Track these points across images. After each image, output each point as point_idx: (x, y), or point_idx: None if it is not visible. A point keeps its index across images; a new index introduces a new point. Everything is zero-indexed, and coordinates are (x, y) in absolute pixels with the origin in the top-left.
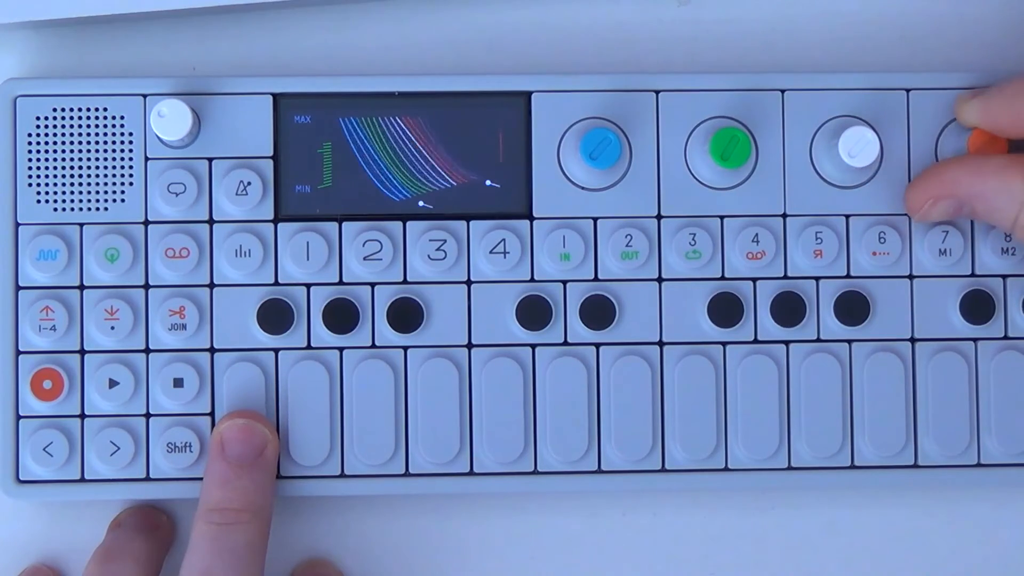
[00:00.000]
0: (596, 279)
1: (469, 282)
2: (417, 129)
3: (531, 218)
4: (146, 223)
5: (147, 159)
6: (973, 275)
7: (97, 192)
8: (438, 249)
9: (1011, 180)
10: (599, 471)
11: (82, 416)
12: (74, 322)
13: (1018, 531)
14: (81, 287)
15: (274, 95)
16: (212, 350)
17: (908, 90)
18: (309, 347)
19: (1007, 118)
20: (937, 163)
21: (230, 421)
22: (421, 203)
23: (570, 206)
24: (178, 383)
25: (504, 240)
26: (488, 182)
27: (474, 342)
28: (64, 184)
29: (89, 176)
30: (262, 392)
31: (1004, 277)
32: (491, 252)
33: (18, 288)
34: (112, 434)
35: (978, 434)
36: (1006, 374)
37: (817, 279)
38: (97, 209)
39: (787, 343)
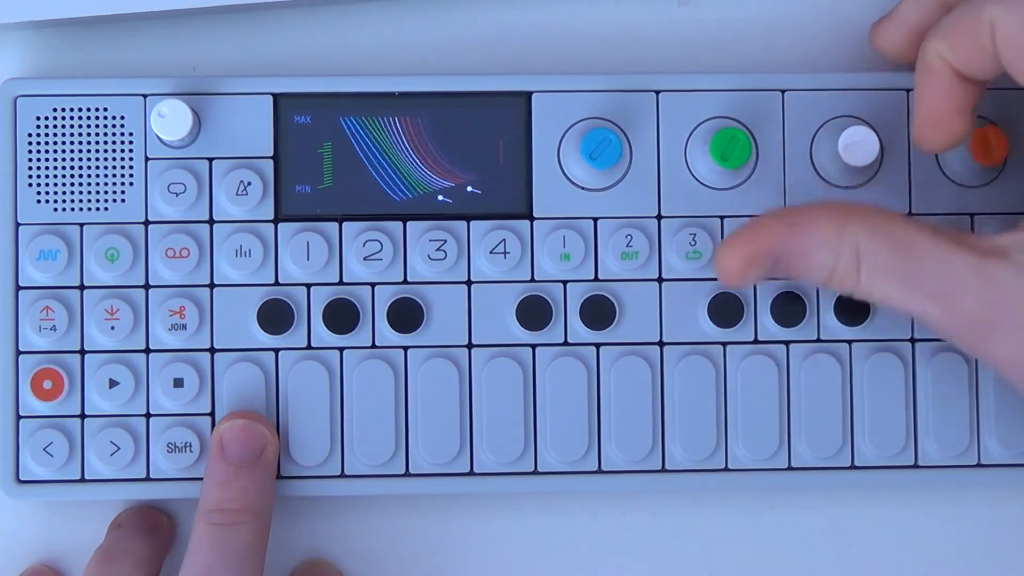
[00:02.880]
0: (596, 279)
1: (469, 282)
2: (417, 129)
3: (531, 218)
4: (146, 223)
5: (147, 159)
6: None
7: (97, 192)
8: (438, 249)
9: (826, 230)
10: (599, 471)
11: (82, 416)
12: (74, 322)
13: (1018, 531)
14: (81, 287)
15: (274, 95)
16: (212, 350)
17: (908, 90)
18: (309, 347)
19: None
20: (751, 219)
21: (230, 422)
22: (421, 203)
23: (570, 206)
24: (178, 383)
25: (504, 240)
26: (480, 188)
27: (474, 342)
28: (64, 184)
29: (89, 176)
30: (262, 392)
31: None
32: (491, 252)
33: (18, 288)
34: (112, 434)
35: (978, 434)
36: None
37: None
38: (97, 209)
39: (787, 343)
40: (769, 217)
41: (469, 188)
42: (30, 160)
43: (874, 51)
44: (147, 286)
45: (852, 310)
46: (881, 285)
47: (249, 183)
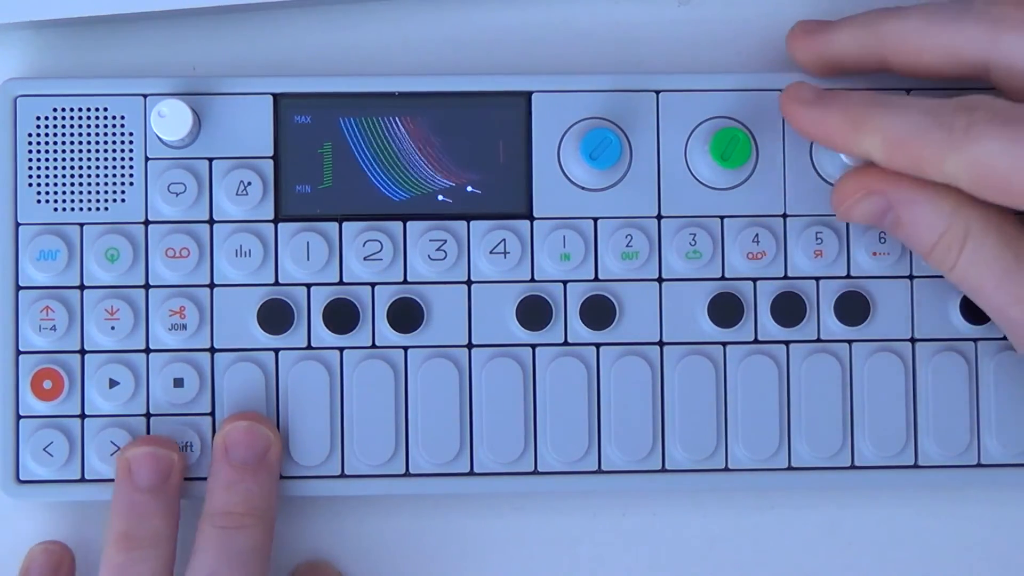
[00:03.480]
0: (596, 279)
1: (469, 282)
2: (417, 129)
3: (531, 218)
4: (146, 223)
5: (147, 159)
6: None
7: (97, 192)
8: (438, 249)
9: (945, 202)
10: (599, 471)
11: (82, 416)
12: (74, 322)
13: (1018, 531)
14: (81, 287)
15: (274, 95)
16: (212, 350)
17: (908, 90)
18: (309, 347)
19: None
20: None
21: (233, 424)
22: (421, 203)
23: (570, 206)
24: (178, 383)
25: (504, 240)
26: (480, 188)
27: (474, 342)
28: (64, 184)
29: (89, 176)
30: (262, 392)
31: None
32: (491, 252)
33: (18, 288)
34: (112, 434)
35: (978, 434)
36: (1007, 374)
37: (817, 279)
38: (97, 209)
39: (787, 343)
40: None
41: (469, 188)
42: (30, 160)
43: (788, 52)
44: (147, 286)
45: (852, 310)
46: (978, 272)
47: (249, 183)
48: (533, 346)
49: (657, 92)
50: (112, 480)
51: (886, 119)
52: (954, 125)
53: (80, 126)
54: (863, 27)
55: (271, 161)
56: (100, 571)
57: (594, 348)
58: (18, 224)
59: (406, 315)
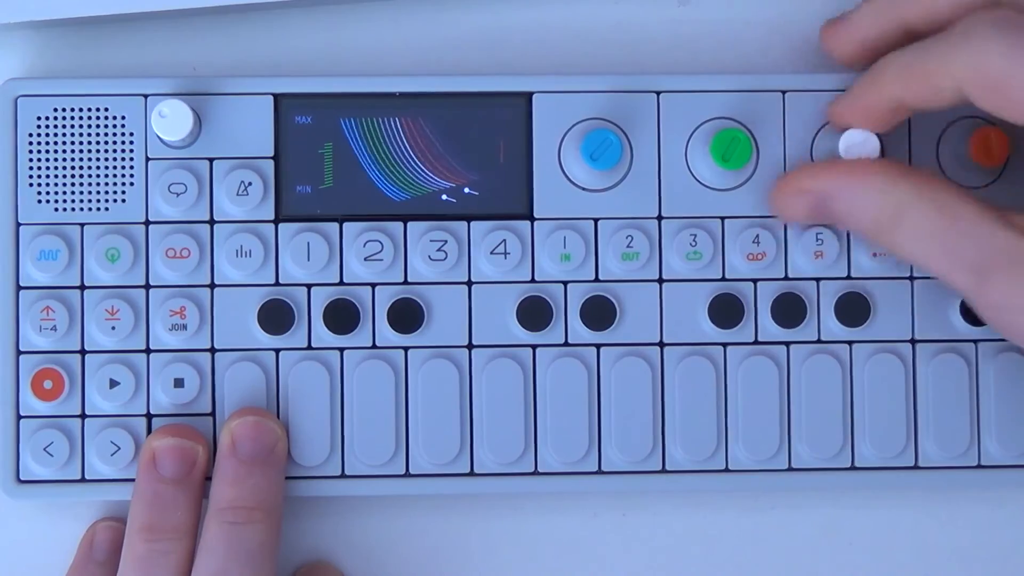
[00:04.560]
0: (597, 280)
1: (470, 283)
2: (418, 130)
3: (532, 219)
4: (147, 223)
5: (148, 159)
6: None
7: (98, 192)
8: (439, 250)
9: (875, 180)
10: (599, 472)
11: (83, 416)
12: (75, 322)
13: (1018, 531)
14: (82, 287)
15: (275, 95)
16: (213, 350)
17: None
18: (310, 347)
19: (859, 112)
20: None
21: (240, 419)
22: (422, 203)
23: (571, 207)
24: (179, 383)
25: (505, 241)
26: (481, 189)
27: (475, 343)
28: (65, 184)
29: (90, 176)
30: (263, 392)
31: None
32: (492, 253)
33: (19, 288)
34: (113, 434)
35: (978, 435)
36: (1006, 375)
37: (818, 280)
38: (98, 209)
39: (787, 344)
40: (829, 162)
41: (470, 189)
42: (31, 160)
43: (823, 51)
44: (147, 286)
45: (853, 311)
46: (921, 246)
47: (250, 183)
48: (533, 347)
49: (658, 93)
50: (111, 480)
51: (897, 54)
52: (953, 33)
53: (81, 126)
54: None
55: (272, 161)
56: (121, 562)
57: (594, 349)
58: (19, 224)
59: (406, 315)
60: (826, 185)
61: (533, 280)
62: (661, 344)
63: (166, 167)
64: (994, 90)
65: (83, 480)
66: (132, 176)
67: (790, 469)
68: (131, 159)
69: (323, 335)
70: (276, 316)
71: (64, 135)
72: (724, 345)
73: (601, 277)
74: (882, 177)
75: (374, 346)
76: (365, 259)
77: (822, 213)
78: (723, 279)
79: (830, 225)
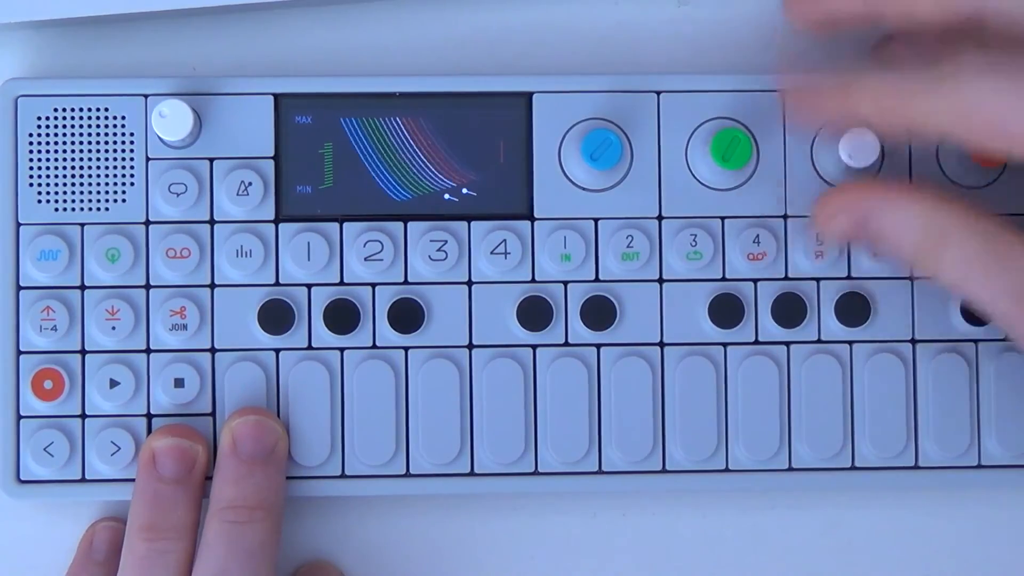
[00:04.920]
0: (597, 280)
1: (470, 283)
2: (418, 129)
3: (532, 219)
4: (147, 223)
5: (148, 159)
6: None
7: (98, 192)
8: (439, 250)
9: (921, 205)
10: (600, 472)
11: (83, 416)
12: (75, 322)
13: (1018, 531)
14: (82, 287)
15: (275, 95)
16: (213, 350)
17: None
18: (310, 347)
19: (820, 119)
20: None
21: (241, 418)
22: (422, 203)
23: (571, 207)
24: (179, 383)
25: (505, 241)
26: (481, 189)
27: (475, 343)
28: (65, 184)
29: (90, 176)
30: (263, 392)
31: None
32: (492, 253)
33: (19, 288)
34: (113, 434)
35: (979, 435)
36: (1007, 376)
37: (818, 280)
38: (98, 209)
39: (788, 344)
40: (872, 181)
41: (470, 189)
42: (31, 160)
43: (784, 15)
44: (148, 286)
45: (853, 311)
46: (964, 272)
47: (250, 183)
48: (534, 347)
49: (658, 93)
50: (111, 480)
51: (875, 78)
52: (942, 72)
53: (81, 126)
54: None
55: (272, 161)
56: (121, 562)
57: (595, 349)
58: (19, 224)
59: (407, 315)
60: (870, 205)
61: (533, 280)
62: (661, 344)
63: (166, 167)
64: (988, 131)
65: (83, 480)
66: (132, 176)
67: (790, 469)
68: (131, 159)
69: (323, 335)
70: (276, 316)
71: (64, 135)
72: (724, 345)
73: (601, 277)
74: (927, 203)
75: (374, 346)
76: (365, 259)
77: (863, 231)
78: (723, 279)
79: (872, 247)
